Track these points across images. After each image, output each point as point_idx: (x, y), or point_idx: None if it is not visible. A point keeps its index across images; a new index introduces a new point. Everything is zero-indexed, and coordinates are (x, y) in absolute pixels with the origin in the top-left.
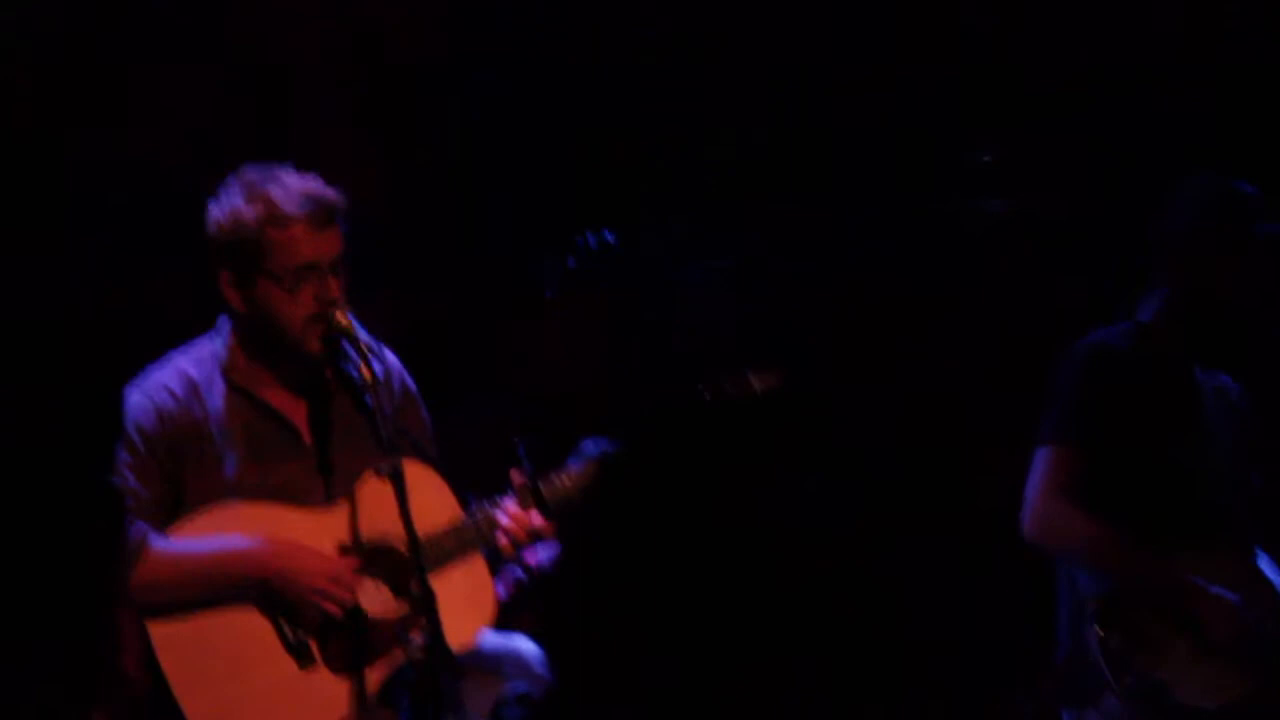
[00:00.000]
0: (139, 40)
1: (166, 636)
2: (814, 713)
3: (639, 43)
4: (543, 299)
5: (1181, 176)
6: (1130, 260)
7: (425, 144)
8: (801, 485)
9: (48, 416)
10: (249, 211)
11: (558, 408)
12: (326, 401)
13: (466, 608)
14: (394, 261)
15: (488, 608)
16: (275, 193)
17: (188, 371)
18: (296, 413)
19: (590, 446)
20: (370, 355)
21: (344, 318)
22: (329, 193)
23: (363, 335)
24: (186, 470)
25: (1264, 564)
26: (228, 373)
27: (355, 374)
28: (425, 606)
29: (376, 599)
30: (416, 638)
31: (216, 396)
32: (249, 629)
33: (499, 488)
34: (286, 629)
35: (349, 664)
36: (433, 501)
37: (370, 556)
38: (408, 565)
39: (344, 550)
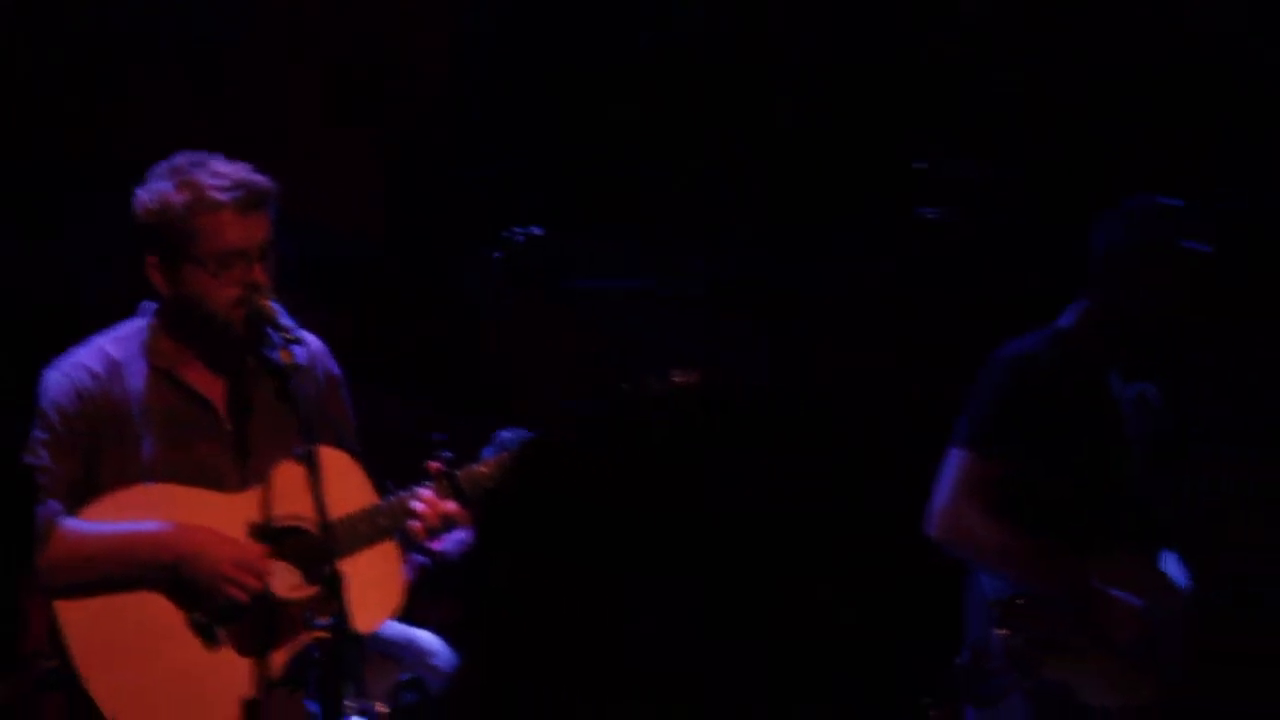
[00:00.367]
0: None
1: (73, 617)
2: (717, 702)
3: (581, 50)
4: (471, 294)
5: (1121, 191)
6: (1068, 268)
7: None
8: (727, 480)
9: None
10: (177, 197)
11: (480, 401)
12: (248, 385)
13: (375, 592)
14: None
15: (395, 594)
16: (203, 178)
17: (109, 351)
18: (217, 395)
19: (508, 436)
20: (292, 341)
21: (267, 303)
22: (257, 179)
23: (286, 321)
24: (103, 450)
25: (1171, 569)
26: (150, 354)
27: (277, 358)
28: (333, 589)
29: (286, 581)
30: (323, 620)
31: (137, 377)
32: (156, 611)
33: (419, 478)
34: (194, 611)
35: (256, 646)
36: (348, 487)
37: (282, 539)
38: (319, 548)
39: (256, 533)
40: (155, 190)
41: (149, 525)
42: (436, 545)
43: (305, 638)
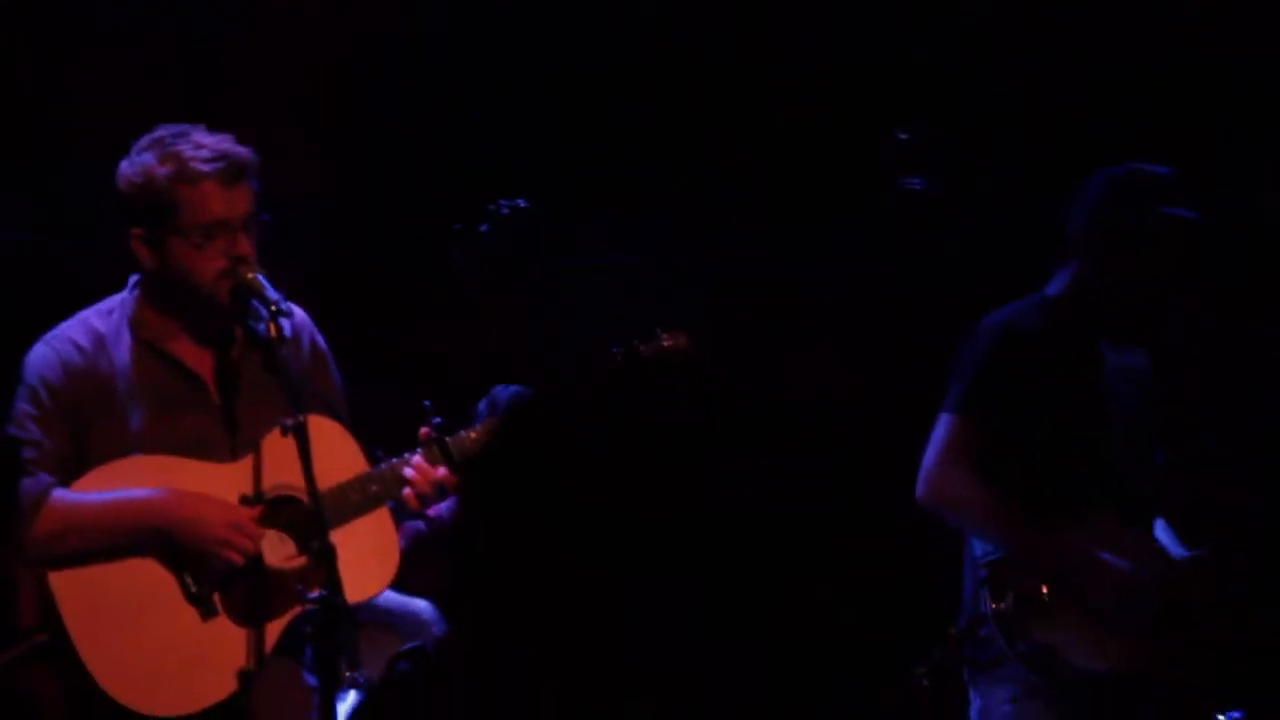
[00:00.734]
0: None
1: (67, 587)
2: (707, 671)
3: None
4: (457, 264)
5: (1103, 160)
6: (1053, 238)
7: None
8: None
9: None
10: (160, 169)
11: (471, 371)
12: (235, 357)
13: (369, 561)
14: (317, 228)
15: (390, 563)
16: (186, 150)
17: (94, 325)
18: (204, 367)
19: (502, 393)
20: (278, 313)
21: (252, 275)
22: (240, 150)
23: (271, 292)
24: (91, 424)
25: (1162, 535)
26: (136, 326)
27: (263, 330)
28: (325, 559)
29: (279, 551)
30: (316, 590)
31: (123, 350)
32: (150, 580)
33: (410, 446)
34: (188, 580)
35: (250, 615)
36: (339, 457)
37: (274, 509)
38: (311, 518)
39: (247, 503)
40: (138, 162)
41: (141, 492)
42: (430, 511)
43: (298, 608)
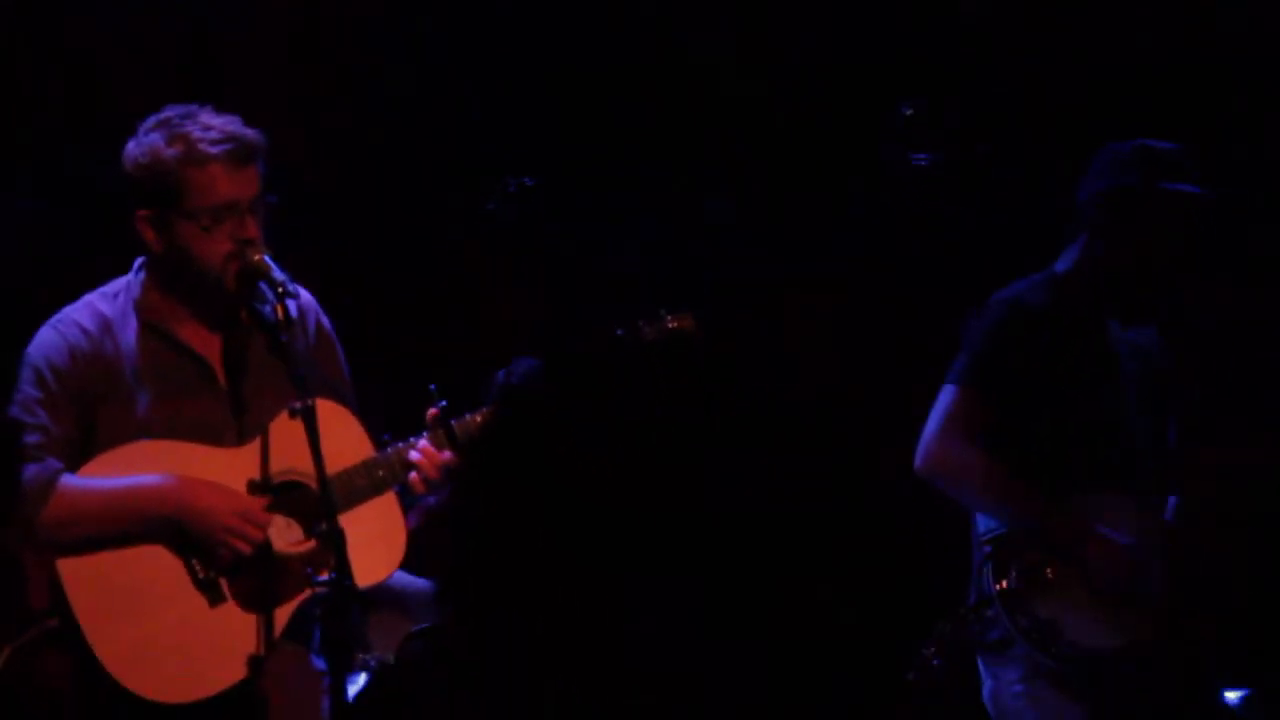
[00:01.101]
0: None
1: (75, 573)
2: (706, 650)
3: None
4: (461, 241)
5: (1109, 136)
6: (1059, 215)
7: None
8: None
9: None
10: (167, 150)
11: (476, 349)
12: (242, 340)
13: (376, 546)
14: (319, 211)
15: (398, 547)
16: (194, 131)
17: (100, 309)
18: (211, 350)
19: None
20: (285, 295)
21: (259, 257)
22: (248, 132)
23: (278, 275)
24: (98, 408)
25: (1172, 514)
26: (141, 310)
27: (270, 313)
28: (334, 543)
29: (287, 536)
30: (325, 574)
31: (129, 333)
32: (159, 566)
33: (416, 429)
34: (196, 566)
35: (258, 601)
36: (346, 440)
37: (281, 494)
38: (318, 502)
39: (255, 487)
40: (145, 143)
41: (150, 479)
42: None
43: (307, 592)
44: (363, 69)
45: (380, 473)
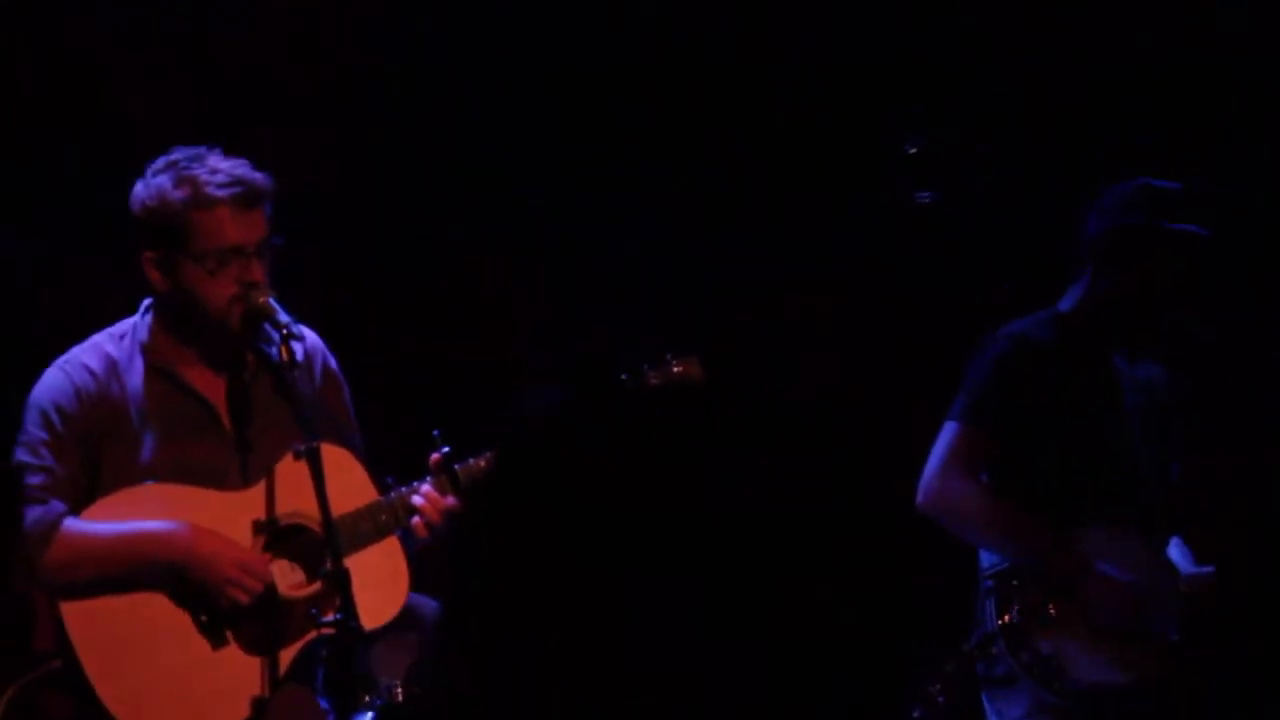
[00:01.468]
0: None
1: (79, 617)
2: (707, 671)
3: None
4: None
5: (1111, 174)
6: (1060, 252)
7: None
8: (727, 480)
9: None
10: (175, 192)
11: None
12: (247, 382)
13: (380, 589)
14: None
15: (401, 591)
16: (201, 174)
17: (108, 350)
18: (216, 393)
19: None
20: (290, 337)
21: (265, 300)
22: (256, 176)
23: (283, 317)
24: (103, 450)
25: (1175, 552)
26: (147, 352)
27: (275, 354)
28: (338, 586)
29: (290, 579)
30: (329, 616)
31: (135, 375)
32: (162, 610)
33: (420, 473)
34: (199, 611)
35: (262, 643)
36: (349, 484)
37: (285, 537)
38: (322, 546)
39: (259, 530)
40: (152, 185)
41: (152, 525)
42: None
43: (311, 635)
44: (363, 69)
45: (383, 517)
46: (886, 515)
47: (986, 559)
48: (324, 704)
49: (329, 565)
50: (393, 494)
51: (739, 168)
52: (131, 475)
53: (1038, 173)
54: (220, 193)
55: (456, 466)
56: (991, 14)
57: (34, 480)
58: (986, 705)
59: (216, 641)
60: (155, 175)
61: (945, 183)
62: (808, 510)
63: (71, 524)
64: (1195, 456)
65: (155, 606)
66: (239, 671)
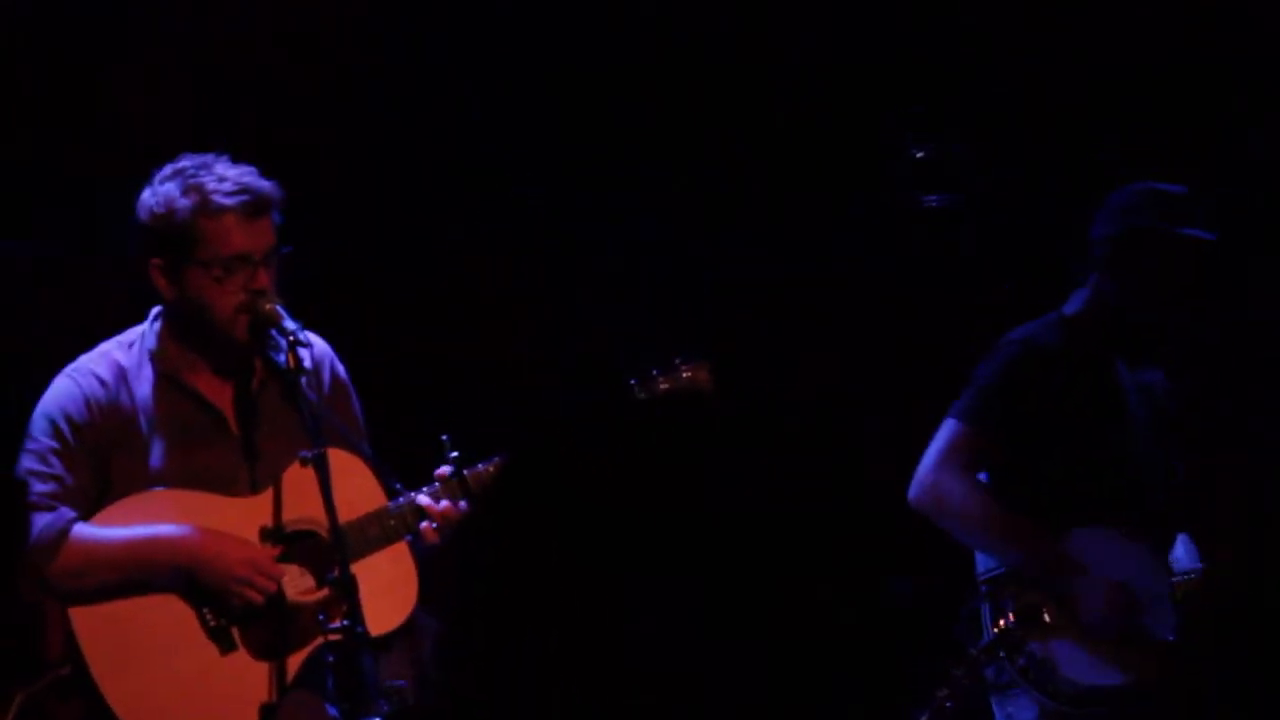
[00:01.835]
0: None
1: (88, 622)
2: (707, 671)
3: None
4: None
5: (1119, 179)
6: (1061, 253)
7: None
8: (727, 480)
9: None
10: (182, 200)
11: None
12: (255, 390)
13: (389, 594)
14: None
15: (409, 595)
16: (208, 182)
17: (116, 358)
18: (224, 400)
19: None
20: (297, 344)
21: (271, 307)
22: (263, 184)
23: (290, 324)
24: (112, 458)
25: (1182, 550)
26: (156, 359)
27: (282, 362)
28: (346, 591)
29: (299, 585)
30: (336, 622)
31: (144, 383)
32: (171, 615)
33: (429, 479)
34: (208, 615)
35: (271, 649)
36: (358, 490)
37: (294, 543)
38: (331, 551)
39: (267, 536)
40: (160, 193)
41: (162, 528)
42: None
43: (319, 640)
44: (363, 69)
45: (392, 522)
46: (887, 515)
47: (982, 564)
48: (332, 711)
49: (337, 571)
50: (401, 499)
51: (740, 168)
52: (140, 483)
53: (1038, 173)
54: (228, 201)
55: (466, 472)
56: (992, 14)
57: (43, 488)
58: (996, 710)
59: (224, 646)
60: (162, 183)
61: (948, 185)
62: (808, 510)
63: (80, 530)
64: (1196, 457)
65: (164, 611)
66: (247, 676)
